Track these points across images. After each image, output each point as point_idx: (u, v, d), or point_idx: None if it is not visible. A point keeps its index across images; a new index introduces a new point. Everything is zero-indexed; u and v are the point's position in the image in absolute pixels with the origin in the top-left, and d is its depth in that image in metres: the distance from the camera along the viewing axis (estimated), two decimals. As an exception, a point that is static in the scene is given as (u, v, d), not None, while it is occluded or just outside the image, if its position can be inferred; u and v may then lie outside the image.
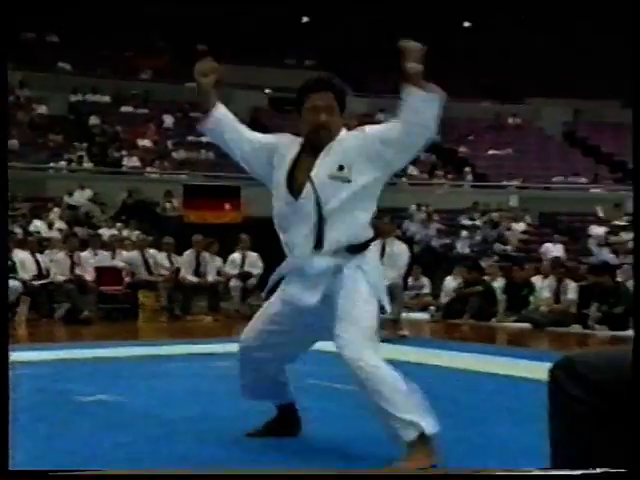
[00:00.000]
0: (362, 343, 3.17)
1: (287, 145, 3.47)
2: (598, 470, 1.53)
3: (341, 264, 3.27)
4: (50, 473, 1.72)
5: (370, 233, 3.35)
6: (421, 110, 3.13)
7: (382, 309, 3.37)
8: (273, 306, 3.47)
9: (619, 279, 11.34)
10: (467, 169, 20.63)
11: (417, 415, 3.12)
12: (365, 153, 3.26)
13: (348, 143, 3.30)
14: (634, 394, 1.48)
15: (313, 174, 3.30)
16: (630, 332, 9.83)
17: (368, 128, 3.34)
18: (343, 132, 3.38)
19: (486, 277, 12.15)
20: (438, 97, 3.14)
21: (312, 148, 3.36)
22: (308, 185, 3.30)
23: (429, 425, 3.12)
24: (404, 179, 18.87)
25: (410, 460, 3.10)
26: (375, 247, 3.47)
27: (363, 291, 3.25)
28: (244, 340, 3.52)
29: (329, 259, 3.27)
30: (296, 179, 3.35)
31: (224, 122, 3.59)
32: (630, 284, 11.56)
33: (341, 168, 3.26)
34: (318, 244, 3.27)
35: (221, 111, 3.61)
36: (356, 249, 3.29)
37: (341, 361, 3.22)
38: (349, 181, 3.26)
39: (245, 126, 3.67)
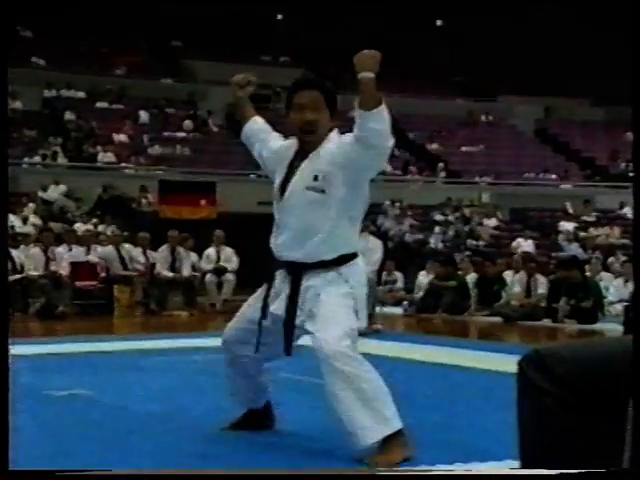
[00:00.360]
0: (341, 340, 3.12)
1: (290, 147, 3.43)
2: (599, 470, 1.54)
3: (319, 283, 3.22)
4: (55, 473, 1.67)
5: (351, 247, 3.29)
6: (365, 127, 3.05)
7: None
8: (253, 311, 3.44)
9: (587, 274, 11.47)
10: (441, 165, 20.72)
11: (393, 412, 3.12)
12: (337, 163, 3.21)
13: (325, 151, 3.26)
14: (634, 394, 1.49)
15: (292, 183, 3.29)
16: (598, 325, 9.95)
17: (344, 137, 3.26)
18: (333, 134, 3.32)
19: (459, 272, 12.22)
20: (379, 111, 3.03)
21: (303, 150, 3.34)
22: (287, 193, 3.30)
23: (399, 421, 3.13)
24: (378, 175, 18.90)
25: (385, 454, 3.10)
26: (361, 263, 3.37)
27: (342, 295, 3.21)
28: (225, 335, 3.52)
29: (310, 276, 3.23)
30: (288, 184, 3.33)
31: (252, 139, 3.59)
32: (598, 278, 11.71)
33: (316, 178, 3.23)
34: (298, 253, 3.24)
35: (252, 127, 3.60)
36: (334, 263, 3.24)
37: (311, 354, 3.21)
38: (323, 191, 3.22)
39: (276, 134, 3.61)
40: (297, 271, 3.27)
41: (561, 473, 1.52)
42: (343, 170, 3.20)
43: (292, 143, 3.43)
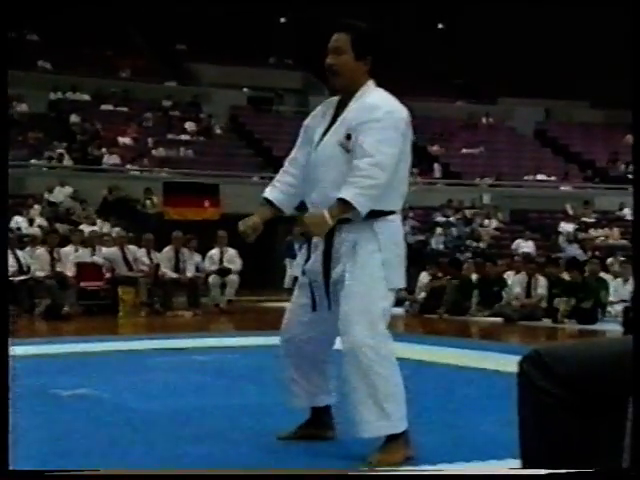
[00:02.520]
0: (369, 333, 3.05)
1: (331, 102, 3.32)
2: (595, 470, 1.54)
3: (352, 239, 3.11)
4: (47, 473, 1.65)
5: (384, 204, 3.13)
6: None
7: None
8: (298, 294, 3.34)
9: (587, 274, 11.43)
10: (436, 165, 20.64)
11: (401, 413, 3.08)
12: (363, 127, 3.10)
13: (359, 107, 3.14)
14: (634, 394, 1.48)
15: (327, 135, 3.20)
16: (597, 325, 9.94)
17: (374, 104, 3.13)
18: (369, 87, 3.19)
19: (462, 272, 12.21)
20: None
21: (341, 101, 3.24)
22: (320, 146, 3.21)
23: (404, 423, 3.10)
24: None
25: (386, 452, 3.08)
26: (398, 221, 3.25)
27: (371, 270, 3.09)
28: (282, 330, 3.37)
29: (343, 230, 3.12)
30: (325, 136, 3.23)
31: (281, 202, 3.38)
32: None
33: (348, 137, 3.12)
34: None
35: (273, 197, 3.37)
36: (367, 216, 3.08)
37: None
38: (348, 151, 3.13)
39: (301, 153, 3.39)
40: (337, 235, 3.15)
41: (561, 473, 1.52)
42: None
43: (333, 99, 3.32)
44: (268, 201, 3.36)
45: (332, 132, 3.20)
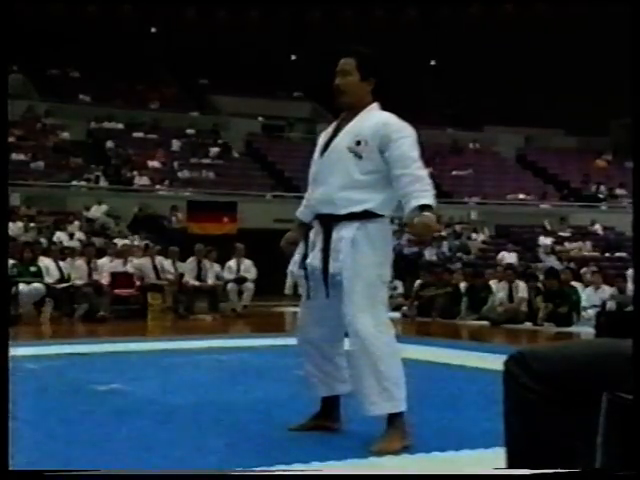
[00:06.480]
0: (374, 323, 3.06)
1: (334, 124, 3.34)
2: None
3: (349, 235, 3.10)
4: (47, 473, 1.58)
5: (379, 207, 3.13)
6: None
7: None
8: (305, 297, 3.31)
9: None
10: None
11: (402, 394, 3.09)
12: (376, 141, 3.10)
13: (368, 121, 3.14)
14: (634, 394, 1.47)
15: (335, 141, 3.19)
16: (572, 328, 9.88)
17: (387, 122, 3.13)
18: (374, 108, 3.19)
19: (452, 281, 12.17)
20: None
21: (347, 116, 3.24)
22: (329, 150, 3.20)
23: (403, 404, 3.09)
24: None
25: (386, 441, 3.06)
26: (387, 223, 3.23)
27: (367, 267, 3.09)
28: (297, 332, 3.36)
29: (341, 228, 3.11)
30: (331, 143, 3.23)
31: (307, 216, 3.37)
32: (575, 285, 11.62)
33: (358, 143, 3.11)
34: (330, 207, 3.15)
35: (302, 216, 3.40)
36: (362, 216, 3.10)
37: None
38: (360, 157, 3.12)
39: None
40: (329, 223, 3.16)
41: (548, 473, 1.50)
42: (381, 153, 3.11)
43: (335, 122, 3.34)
44: (300, 220, 3.40)
45: (339, 138, 3.19)
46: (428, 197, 3.05)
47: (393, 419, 3.10)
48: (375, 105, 3.23)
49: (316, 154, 3.33)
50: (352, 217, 3.13)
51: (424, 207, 3.03)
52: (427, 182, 3.09)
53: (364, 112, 3.19)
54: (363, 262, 3.11)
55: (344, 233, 3.12)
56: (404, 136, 3.12)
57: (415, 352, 6.70)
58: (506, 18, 24.33)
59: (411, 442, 3.10)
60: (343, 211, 3.14)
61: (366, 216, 3.13)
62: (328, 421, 3.36)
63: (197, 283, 11.61)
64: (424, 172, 3.13)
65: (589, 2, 21.74)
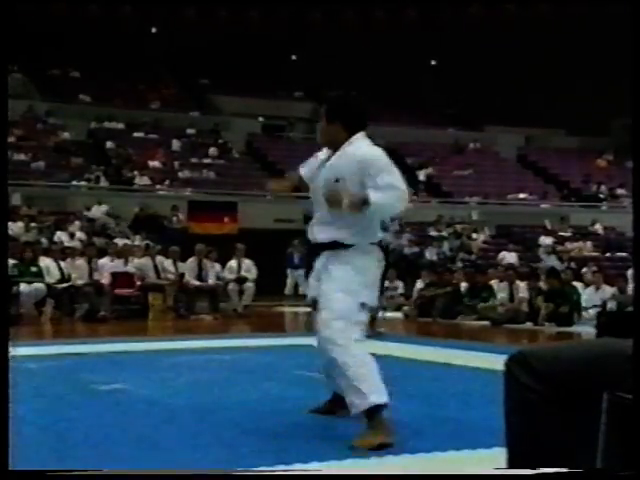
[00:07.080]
0: (329, 325, 3.22)
1: (326, 153, 3.56)
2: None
3: (328, 261, 3.34)
4: (48, 473, 1.59)
5: (365, 238, 3.33)
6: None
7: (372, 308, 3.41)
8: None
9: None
10: (421, 185, 20.51)
11: (373, 387, 3.15)
12: (355, 176, 3.28)
13: (347, 155, 3.34)
14: (634, 394, 1.47)
15: (317, 180, 3.42)
16: (573, 328, 9.88)
17: (363, 159, 3.31)
18: (358, 138, 3.37)
19: (453, 281, 12.16)
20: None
21: (333, 153, 3.47)
22: (313, 189, 3.45)
23: (379, 396, 3.15)
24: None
25: (364, 437, 3.11)
26: (375, 251, 3.39)
27: (342, 277, 3.27)
28: (316, 336, 3.48)
29: (325, 255, 3.37)
30: (316, 180, 3.48)
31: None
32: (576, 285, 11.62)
33: (337, 181, 3.31)
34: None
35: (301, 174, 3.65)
36: (346, 246, 3.31)
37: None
38: None
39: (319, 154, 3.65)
40: (317, 252, 3.42)
41: (550, 472, 1.50)
42: (361, 185, 3.27)
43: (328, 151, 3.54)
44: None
45: (325, 170, 3.41)
46: (380, 199, 3.19)
47: (369, 415, 3.17)
48: (354, 138, 3.39)
49: (311, 163, 3.59)
50: (336, 246, 3.34)
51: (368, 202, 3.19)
52: (396, 196, 3.25)
53: (341, 149, 3.39)
54: (341, 278, 3.29)
55: (326, 259, 3.38)
56: (380, 169, 3.27)
57: (416, 352, 6.71)
58: (506, 18, 24.33)
59: (393, 440, 3.11)
60: (327, 240, 3.37)
61: (339, 246, 3.33)
62: (337, 408, 3.58)
63: (198, 283, 11.61)
64: (399, 193, 3.26)
65: (589, 2, 21.73)
